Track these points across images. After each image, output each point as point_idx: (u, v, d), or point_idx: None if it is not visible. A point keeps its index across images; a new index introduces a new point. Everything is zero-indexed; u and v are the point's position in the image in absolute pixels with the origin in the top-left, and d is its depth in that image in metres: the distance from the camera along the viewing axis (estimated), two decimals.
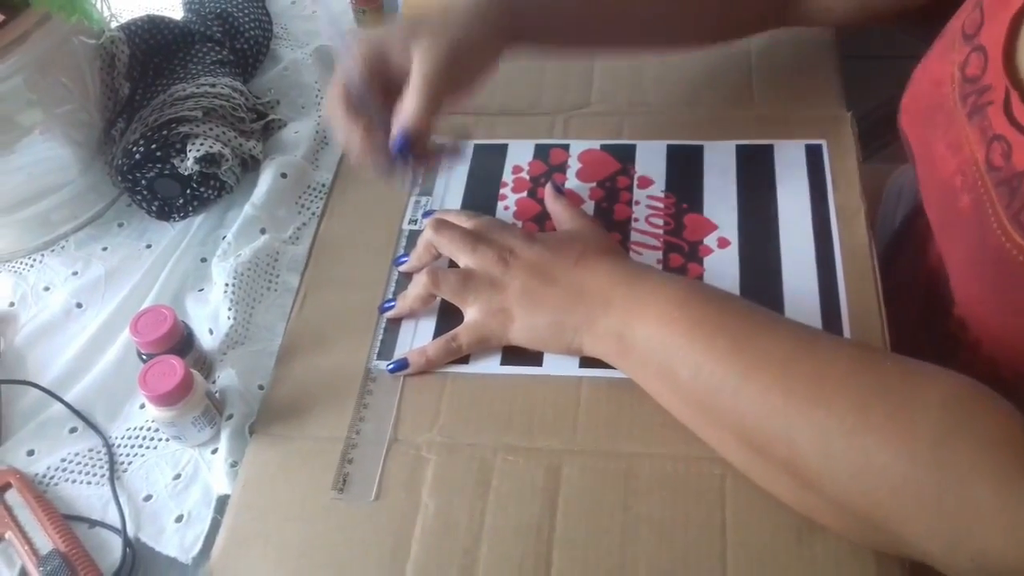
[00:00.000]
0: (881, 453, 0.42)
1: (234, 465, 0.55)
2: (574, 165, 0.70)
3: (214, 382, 0.60)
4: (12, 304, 0.70)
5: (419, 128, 0.50)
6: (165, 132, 0.70)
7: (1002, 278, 0.48)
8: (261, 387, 0.60)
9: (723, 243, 0.62)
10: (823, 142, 0.67)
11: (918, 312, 0.60)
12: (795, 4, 0.67)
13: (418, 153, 0.52)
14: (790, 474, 0.46)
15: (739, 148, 0.68)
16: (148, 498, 0.56)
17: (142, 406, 0.61)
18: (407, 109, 0.49)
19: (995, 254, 0.48)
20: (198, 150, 0.70)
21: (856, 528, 0.46)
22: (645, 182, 0.67)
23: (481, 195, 0.69)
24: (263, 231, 0.69)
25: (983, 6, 0.52)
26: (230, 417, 0.57)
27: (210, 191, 0.74)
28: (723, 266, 0.61)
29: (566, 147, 0.71)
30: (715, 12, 0.66)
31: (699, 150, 0.69)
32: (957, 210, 0.52)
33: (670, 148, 0.70)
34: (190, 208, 0.74)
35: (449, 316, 0.59)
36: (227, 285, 0.64)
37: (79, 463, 0.59)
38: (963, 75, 0.52)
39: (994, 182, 0.48)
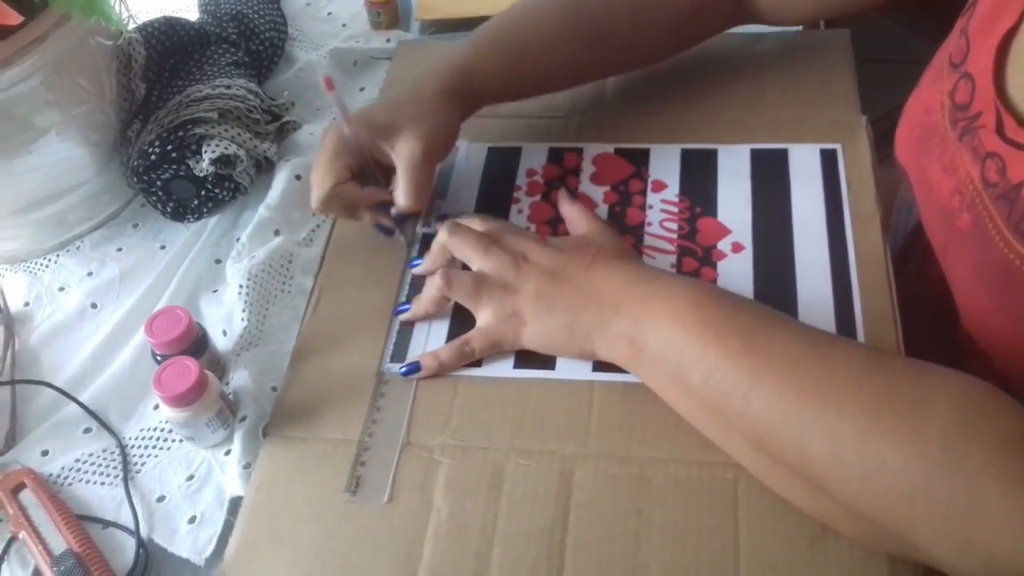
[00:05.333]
0: (892, 457, 0.42)
1: (247, 467, 0.56)
2: (587, 169, 0.70)
3: (227, 383, 0.60)
4: (27, 304, 0.71)
5: (413, 210, 0.62)
6: (181, 133, 0.71)
7: (1008, 289, 0.48)
8: (274, 389, 0.60)
9: (737, 248, 0.62)
10: (838, 146, 0.67)
11: (929, 320, 0.60)
12: (745, 6, 0.69)
13: (411, 221, 0.66)
14: (802, 478, 0.46)
15: (753, 152, 0.68)
16: (161, 499, 0.57)
17: (156, 407, 0.61)
18: (400, 199, 0.61)
19: (999, 267, 0.48)
20: (213, 151, 0.70)
21: (868, 533, 0.45)
22: (659, 186, 0.67)
23: (495, 198, 0.69)
24: (277, 233, 0.69)
25: (968, 34, 0.53)
26: (243, 418, 0.57)
27: (225, 192, 0.74)
28: (737, 271, 0.61)
29: (580, 151, 0.71)
30: (673, 29, 0.69)
31: (713, 154, 0.69)
32: (958, 229, 0.52)
33: (684, 152, 0.69)
34: (205, 209, 0.74)
35: (462, 319, 0.59)
36: (241, 287, 0.64)
37: (93, 463, 0.59)
38: (952, 102, 0.53)
39: (992, 197, 0.48)
